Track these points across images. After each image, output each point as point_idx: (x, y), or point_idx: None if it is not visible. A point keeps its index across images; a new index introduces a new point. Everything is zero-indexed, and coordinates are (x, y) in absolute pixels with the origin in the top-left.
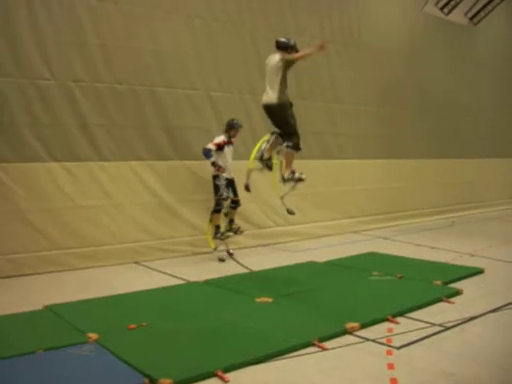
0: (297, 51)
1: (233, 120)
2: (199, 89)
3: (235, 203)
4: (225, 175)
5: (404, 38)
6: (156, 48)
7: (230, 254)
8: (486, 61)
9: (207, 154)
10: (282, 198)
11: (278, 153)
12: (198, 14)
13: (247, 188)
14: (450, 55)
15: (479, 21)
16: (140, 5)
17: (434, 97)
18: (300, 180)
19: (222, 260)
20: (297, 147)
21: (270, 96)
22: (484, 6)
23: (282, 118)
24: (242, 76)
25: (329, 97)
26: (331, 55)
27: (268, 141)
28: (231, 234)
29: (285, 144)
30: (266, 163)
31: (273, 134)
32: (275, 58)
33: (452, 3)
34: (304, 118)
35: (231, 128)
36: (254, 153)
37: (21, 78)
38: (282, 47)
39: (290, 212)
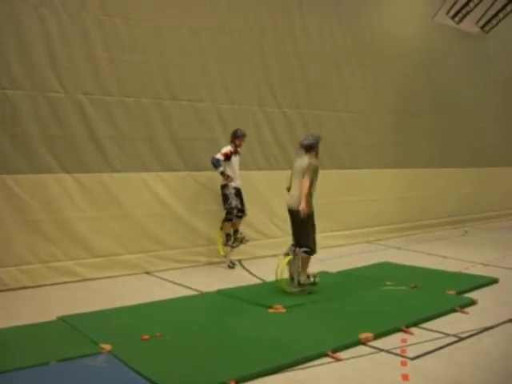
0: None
1: (237, 130)
2: (206, 101)
3: (241, 212)
4: (233, 184)
5: (416, 47)
6: (162, 61)
7: (234, 264)
8: (498, 68)
9: (215, 163)
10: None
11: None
12: (205, 26)
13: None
14: (463, 64)
15: (490, 29)
16: (147, 19)
17: (446, 105)
18: (314, 284)
19: (231, 267)
20: (312, 251)
21: (294, 201)
22: (495, 15)
23: (300, 224)
24: (250, 87)
25: (340, 106)
26: (342, 65)
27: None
28: (238, 243)
29: (300, 249)
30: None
31: (287, 254)
32: (303, 161)
33: (463, 12)
34: (315, 128)
35: (236, 137)
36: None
37: (32, 91)
38: (306, 149)
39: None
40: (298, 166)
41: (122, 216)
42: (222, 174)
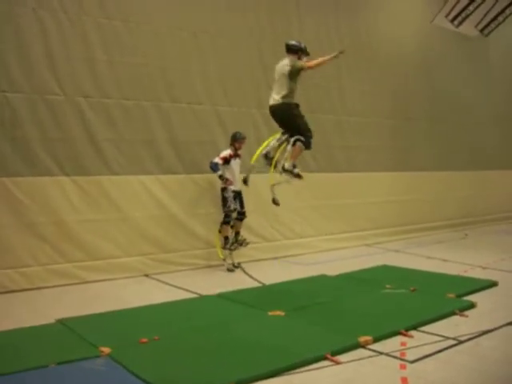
0: (307, 54)
1: (236, 133)
2: (205, 103)
3: (241, 215)
4: (232, 187)
5: (415, 50)
6: (162, 63)
7: (236, 267)
8: (497, 72)
9: (214, 167)
10: (273, 185)
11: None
12: (204, 29)
13: (275, 202)
14: (462, 66)
15: (489, 32)
16: (147, 22)
17: (444, 108)
18: (298, 176)
19: (230, 270)
20: (307, 144)
21: (275, 98)
22: (494, 18)
23: (288, 118)
24: (249, 90)
25: (338, 109)
26: (341, 67)
27: (278, 139)
28: (237, 245)
29: (296, 137)
30: (270, 161)
31: (284, 134)
32: (285, 62)
33: (462, 15)
34: (314, 129)
35: (235, 141)
36: (261, 149)
37: (32, 94)
38: (292, 50)
39: (276, 202)
40: (280, 66)
41: (121, 219)
42: (221, 177)
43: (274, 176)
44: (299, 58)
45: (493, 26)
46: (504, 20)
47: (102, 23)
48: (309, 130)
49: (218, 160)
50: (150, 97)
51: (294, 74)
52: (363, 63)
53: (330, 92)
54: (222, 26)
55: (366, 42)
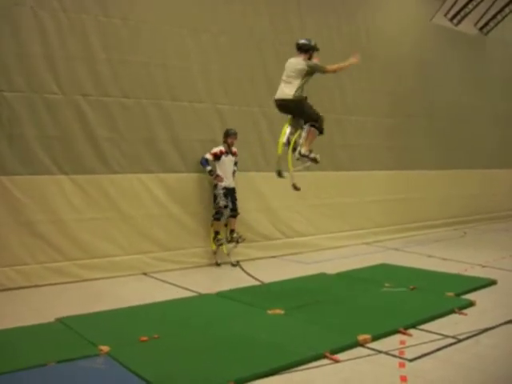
0: (317, 50)
1: (228, 129)
2: (206, 102)
3: (233, 211)
4: (222, 184)
5: (413, 48)
6: (163, 62)
7: (235, 265)
8: (496, 70)
9: (203, 162)
10: (292, 172)
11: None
12: (205, 28)
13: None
14: (461, 65)
15: (489, 31)
16: (147, 20)
17: (443, 107)
18: (314, 160)
19: (217, 264)
20: (321, 130)
21: (285, 92)
22: (493, 17)
23: (299, 111)
24: (250, 89)
25: (338, 108)
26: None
27: (292, 126)
28: (234, 244)
29: (310, 123)
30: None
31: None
32: (299, 60)
33: (462, 13)
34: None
35: (227, 136)
36: (282, 138)
37: (30, 93)
38: (303, 49)
39: (296, 188)
40: (293, 63)
41: (121, 217)
42: (210, 173)
43: (293, 161)
44: (310, 57)
45: (492, 24)
46: (503, 18)
47: (102, 21)
48: (320, 117)
49: (207, 155)
50: (151, 95)
51: (309, 73)
52: (363, 62)
53: (330, 90)
54: (223, 25)
55: (365, 41)
